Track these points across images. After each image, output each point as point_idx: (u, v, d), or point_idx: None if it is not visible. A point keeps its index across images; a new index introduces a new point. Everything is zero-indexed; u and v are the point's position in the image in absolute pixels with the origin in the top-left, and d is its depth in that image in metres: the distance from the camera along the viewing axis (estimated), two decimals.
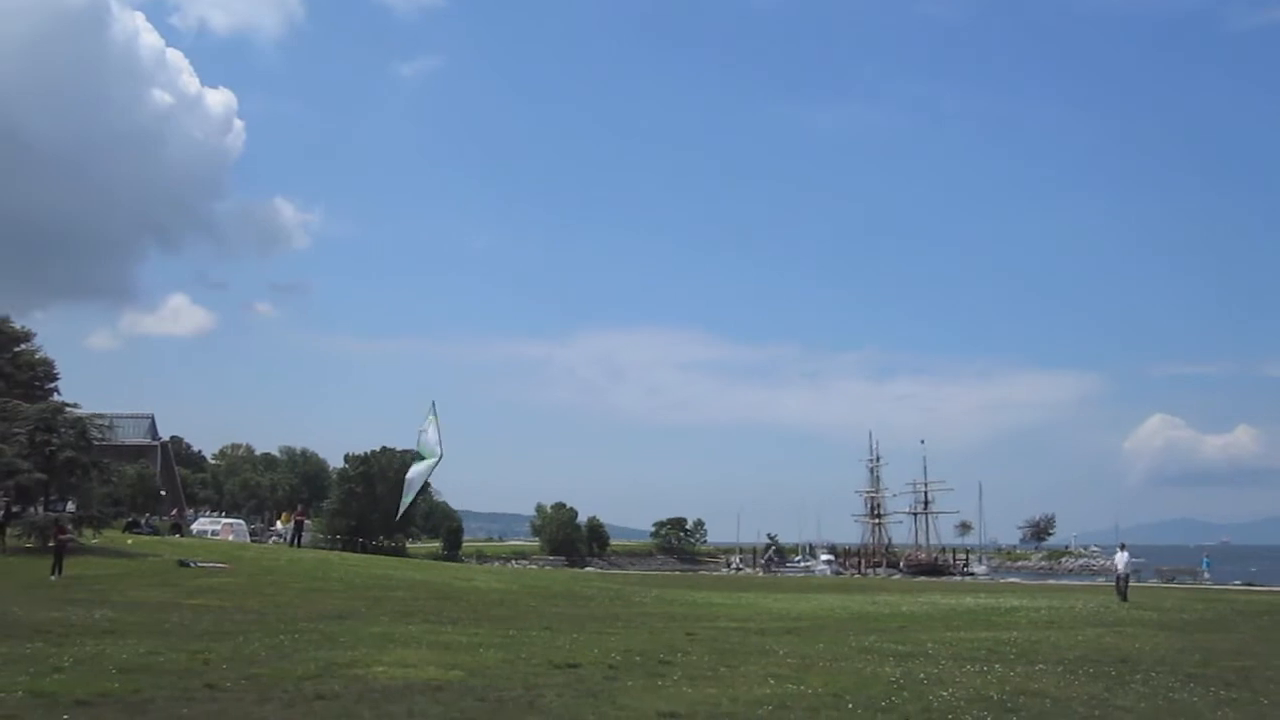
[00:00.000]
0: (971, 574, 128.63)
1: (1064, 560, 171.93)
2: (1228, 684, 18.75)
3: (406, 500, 52.78)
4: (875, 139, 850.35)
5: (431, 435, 44.25)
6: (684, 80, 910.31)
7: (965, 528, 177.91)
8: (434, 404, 45.84)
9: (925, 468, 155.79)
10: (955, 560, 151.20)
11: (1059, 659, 21.99)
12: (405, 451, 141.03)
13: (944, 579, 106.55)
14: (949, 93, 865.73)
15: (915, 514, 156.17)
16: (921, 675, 18.63)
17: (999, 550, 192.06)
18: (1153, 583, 72.68)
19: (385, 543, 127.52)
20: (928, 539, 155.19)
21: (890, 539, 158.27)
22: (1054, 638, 27.56)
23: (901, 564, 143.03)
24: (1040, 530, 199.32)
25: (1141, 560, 59.15)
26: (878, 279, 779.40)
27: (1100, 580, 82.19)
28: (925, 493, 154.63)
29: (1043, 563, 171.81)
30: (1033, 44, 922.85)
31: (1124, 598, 42.64)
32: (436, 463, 44.52)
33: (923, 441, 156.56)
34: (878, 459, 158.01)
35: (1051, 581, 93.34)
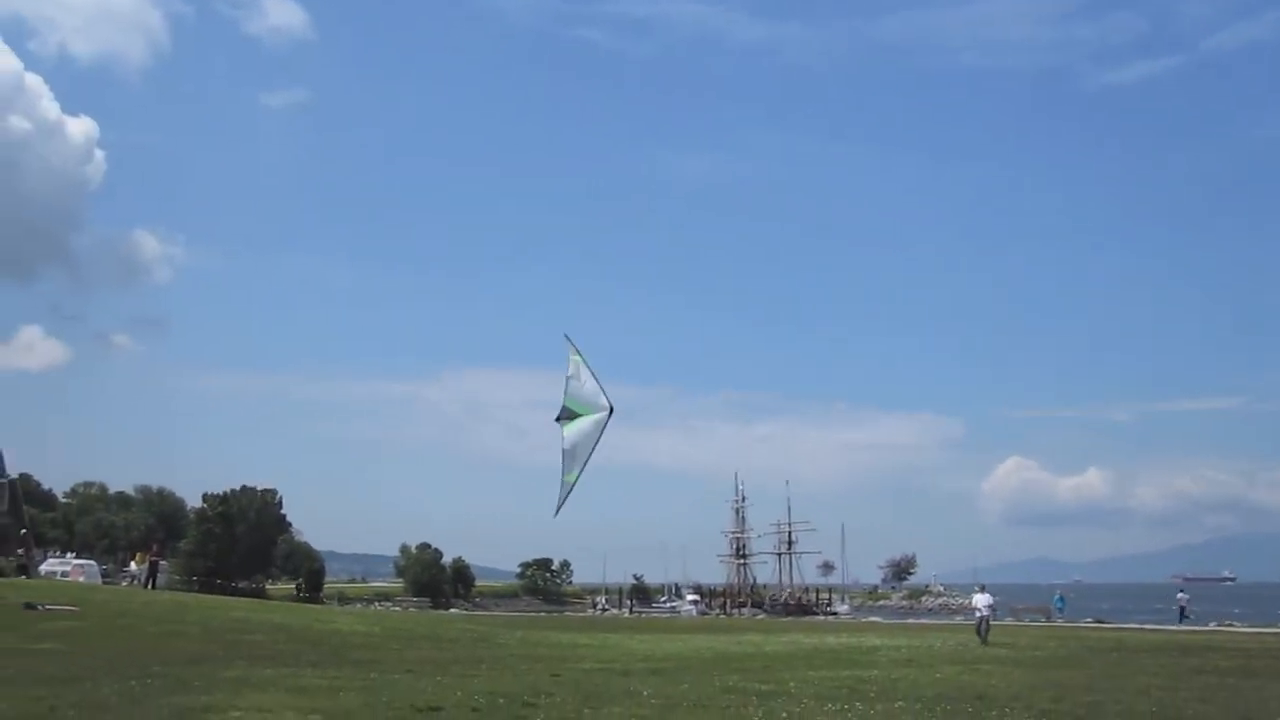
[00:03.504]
0: (834, 613, 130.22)
1: (924, 599, 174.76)
2: (1078, 718, 19.24)
3: (572, 477, 35.74)
4: (741, 185, 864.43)
5: (589, 384, 34.89)
6: (556, 120, 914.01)
7: (828, 567, 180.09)
8: (569, 338, 37.32)
9: (789, 509, 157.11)
10: (818, 600, 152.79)
11: (918, 697, 22.33)
12: (266, 491, 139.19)
13: (807, 618, 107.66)
14: (813, 142, 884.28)
15: (779, 554, 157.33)
16: (784, 715, 18.75)
17: (861, 590, 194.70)
18: (1008, 621, 74.29)
19: (245, 584, 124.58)
20: (791, 579, 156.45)
21: (755, 579, 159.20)
22: (913, 676, 28.00)
23: (766, 604, 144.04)
24: (901, 570, 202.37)
25: (998, 599, 60.50)
26: (746, 320, 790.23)
27: (959, 619, 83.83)
28: (789, 533, 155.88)
29: (903, 602, 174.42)
30: (893, 98, 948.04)
31: (984, 638, 43.32)
32: (605, 420, 34.23)
33: (787, 483, 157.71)
34: (743, 500, 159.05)
35: (911, 620, 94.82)
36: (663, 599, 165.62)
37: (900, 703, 21.14)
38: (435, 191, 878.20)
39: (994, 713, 19.85)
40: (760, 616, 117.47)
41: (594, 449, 35.14)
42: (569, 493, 36.56)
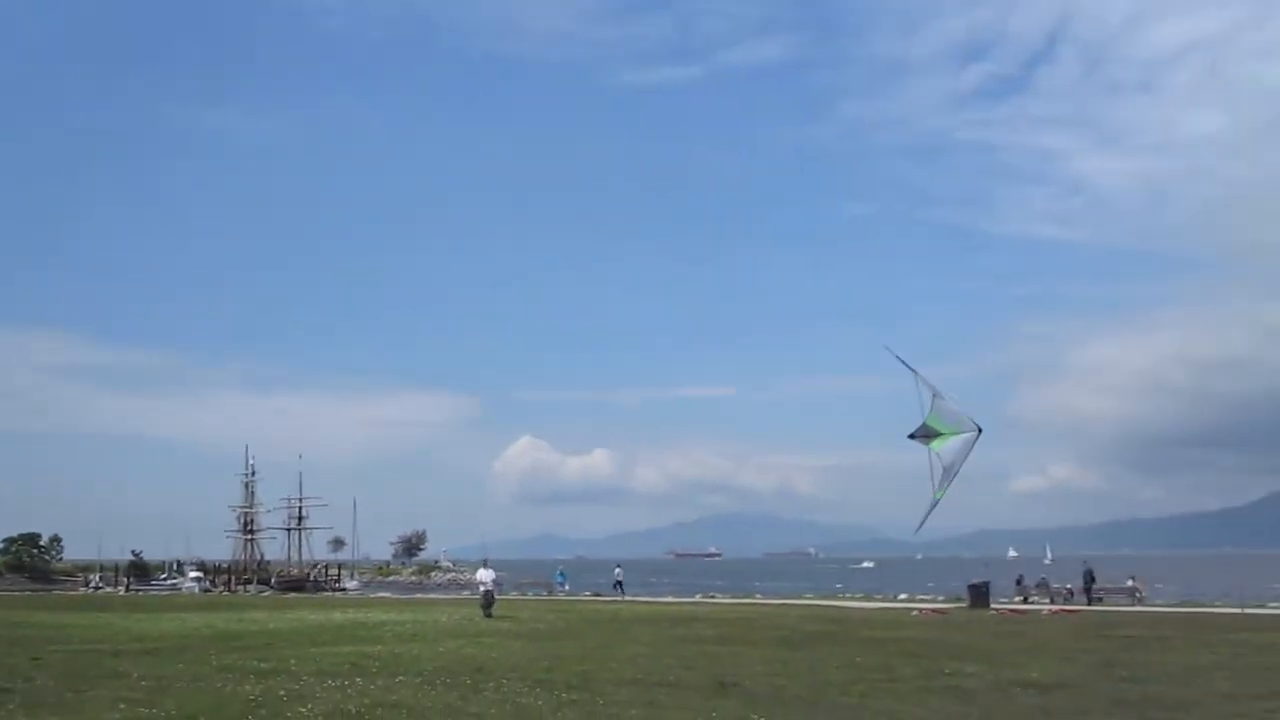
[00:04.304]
0: (343, 589, 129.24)
1: (433, 575, 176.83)
2: (570, 687, 20.20)
3: (941, 494, 40.40)
4: (279, 149, 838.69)
5: (951, 404, 38.03)
6: (88, 76, 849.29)
7: (339, 543, 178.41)
8: (892, 351, 39.30)
9: (301, 483, 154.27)
10: (327, 576, 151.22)
11: (419, 671, 22.68)
12: None
13: (315, 595, 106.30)
14: (359, 109, 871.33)
15: (289, 530, 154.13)
16: (282, 692, 18.55)
17: (371, 565, 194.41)
18: (513, 595, 76.65)
19: None
20: (301, 555, 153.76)
21: (263, 555, 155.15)
22: (417, 650, 28.40)
23: (273, 580, 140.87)
24: (411, 546, 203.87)
25: (504, 574, 62.65)
26: (265, 289, 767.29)
27: (466, 594, 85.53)
28: (300, 509, 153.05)
29: (413, 577, 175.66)
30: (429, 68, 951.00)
31: (488, 612, 44.43)
32: (974, 440, 38.24)
33: (300, 456, 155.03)
34: (253, 474, 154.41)
35: (420, 596, 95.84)
36: (163, 576, 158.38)
37: (401, 677, 21.41)
38: None
39: (491, 684, 20.49)
40: (267, 593, 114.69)
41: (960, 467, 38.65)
42: (934, 508, 40.10)
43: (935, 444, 39.90)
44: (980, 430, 39.33)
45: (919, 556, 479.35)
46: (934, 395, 39.56)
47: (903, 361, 39.78)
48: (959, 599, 55.83)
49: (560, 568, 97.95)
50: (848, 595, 73.73)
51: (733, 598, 72.25)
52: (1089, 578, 57.59)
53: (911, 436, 40.04)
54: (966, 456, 39.61)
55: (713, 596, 74.75)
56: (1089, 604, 54.85)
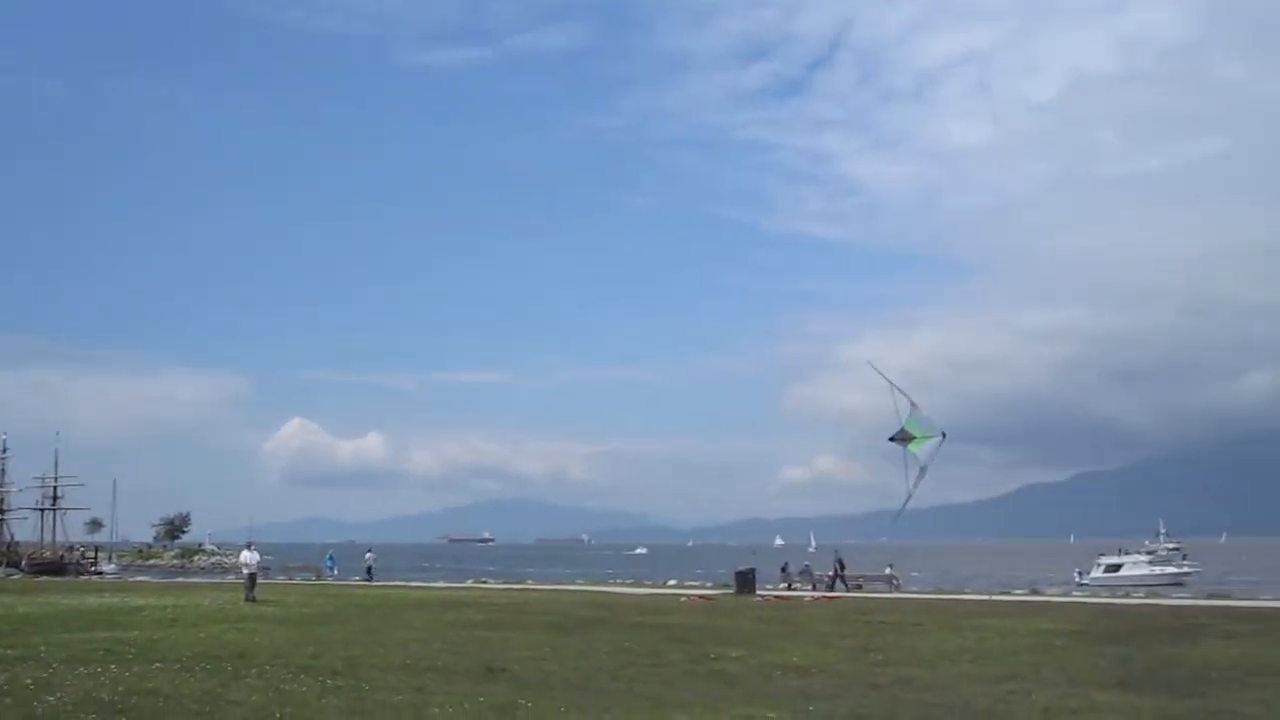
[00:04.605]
0: (100, 573, 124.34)
1: (197, 558, 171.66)
2: (336, 673, 19.97)
3: (915, 489, 45.51)
4: (41, 108, 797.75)
5: (922, 410, 43.07)
6: None
7: (96, 525, 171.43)
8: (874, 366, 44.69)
9: (57, 461, 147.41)
10: (83, 559, 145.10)
11: (178, 657, 22.07)
12: None
13: (69, 578, 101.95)
14: (125, 76, 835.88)
15: (42, 510, 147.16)
16: (29, 680, 17.84)
17: (131, 548, 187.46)
18: (280, 579, 75.00)
19: None
20: (55, 537, 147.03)
21: (13, 536, 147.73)
22: (176, 636, 27.62)
23: (23, 563, 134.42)
24: (175, 528, 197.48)
25: (271, 558, 61.37)
26: (19, 254, 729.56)
27: (231, 578, 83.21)
28: (55, 488, 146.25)
29: (175, 561, 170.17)
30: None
31: (251, 596, 43.55)
32: (941, 442, 43.46)
33: (58, 433, 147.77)
34: (3, 450, 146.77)
35: (182, 580, 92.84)
36: None
37: (159, 664, 20.80)
38: None
39: (254, 670, 20.09)
40: (16, 577, 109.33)
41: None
42: (908, 502, 46.38)
43: (913, 446, 45.72)
44: (945, 435, 45.14)
45: (690, 544, 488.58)
46: (911, 405, 45.66)
47: (881, 374, 46.22)
48: (726, 585, 57.05)
49: (330, 552, 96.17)
50: (619, 581, 74.53)
51: (505, 583, 72.11)
52: (839, 565, 60.00)
53: (892, 439, 46.12)
54: (934, 457, 45.54)
55: (485, 582, 74.54)
56: (845, 590, 56.90)
